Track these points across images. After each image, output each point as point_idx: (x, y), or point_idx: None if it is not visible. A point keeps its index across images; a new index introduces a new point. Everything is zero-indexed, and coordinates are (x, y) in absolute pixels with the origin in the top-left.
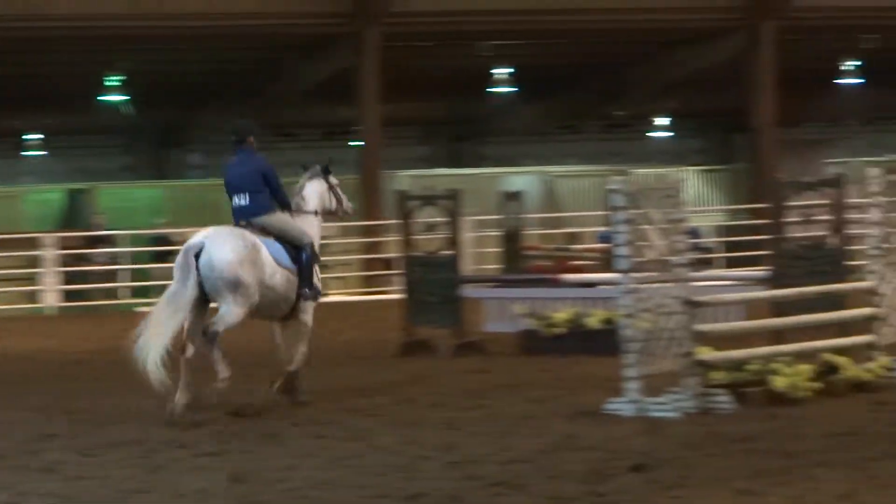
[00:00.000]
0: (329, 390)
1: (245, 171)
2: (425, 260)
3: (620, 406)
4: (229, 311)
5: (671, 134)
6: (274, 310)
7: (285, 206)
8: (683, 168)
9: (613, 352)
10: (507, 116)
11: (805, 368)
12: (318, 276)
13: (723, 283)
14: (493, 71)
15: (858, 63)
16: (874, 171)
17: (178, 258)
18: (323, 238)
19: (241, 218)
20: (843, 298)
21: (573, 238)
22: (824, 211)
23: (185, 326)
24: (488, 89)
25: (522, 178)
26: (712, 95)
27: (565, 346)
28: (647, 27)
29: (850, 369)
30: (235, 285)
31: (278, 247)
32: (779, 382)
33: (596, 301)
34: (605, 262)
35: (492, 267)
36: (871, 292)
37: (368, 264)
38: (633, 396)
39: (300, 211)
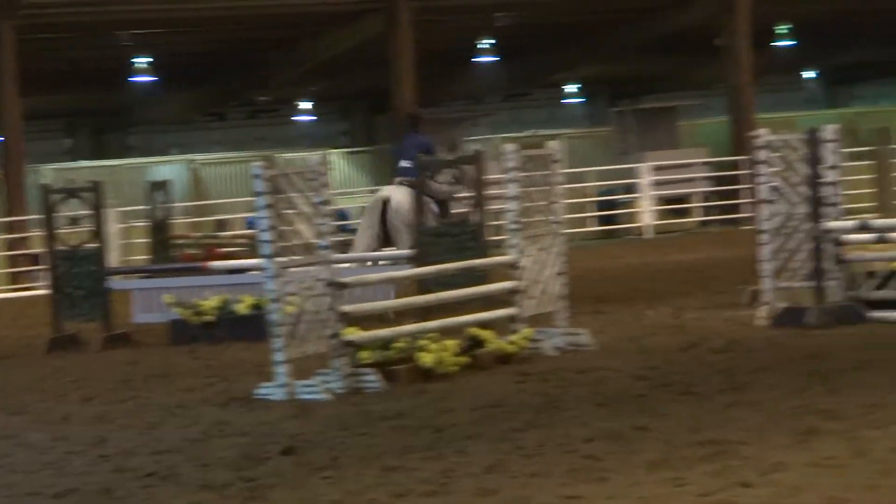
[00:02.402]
0: None
1: (412, 146)
2: (70, 254)
3: (271, 390)
4: (404, 243)
5: (315, 117)
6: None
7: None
8: (328, 151)
9: (263, 337)
10: (151, 106)
11: (451, 343)
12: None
13: (369, 264)
14: (134, 60)
15: (494, 41)
16: (510, 147)
17: (370, 205)
18: None
19: (403, 175)
20: (486, 273)
21: (221, 225)
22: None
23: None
24: (130, 79)
25: (168, 168)
26: (355, 78)
27: (215, 334)
28: (285, 12)
29: (495, 342)
30: (410, 226)
31: (432, 203)
32: (426, 359)
33: (246, 287)
34: (254, 247)
35: (141, 258)
36: (512, 266)
37: (13, 260)
38: (283, 380)
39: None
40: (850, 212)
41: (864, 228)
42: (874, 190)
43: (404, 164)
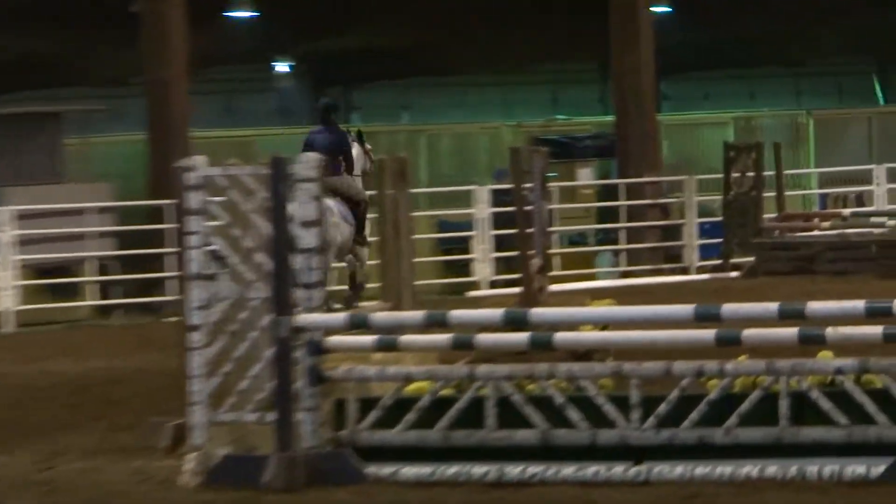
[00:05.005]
0: None
1: (326, 139)
2: None
3: None
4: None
5: None
6: (339, 253)
7: (351, 169)
8: None
9: None
10: None
11: None
12: (366, 227)
13: None
14: None
15: None
16: None
17: None
18: None
19: None
20: None
21: None
22: None
23: None
24: None
25: None
26: None
27: None
28: None
29: None
30: (328, 244)
31: (343, 208)
32: None
33: None
34: None
35: None
36: None
37: None
38: None
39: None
40: (336, 296)
41: (359, 326)
42: (379, 261)
43: None
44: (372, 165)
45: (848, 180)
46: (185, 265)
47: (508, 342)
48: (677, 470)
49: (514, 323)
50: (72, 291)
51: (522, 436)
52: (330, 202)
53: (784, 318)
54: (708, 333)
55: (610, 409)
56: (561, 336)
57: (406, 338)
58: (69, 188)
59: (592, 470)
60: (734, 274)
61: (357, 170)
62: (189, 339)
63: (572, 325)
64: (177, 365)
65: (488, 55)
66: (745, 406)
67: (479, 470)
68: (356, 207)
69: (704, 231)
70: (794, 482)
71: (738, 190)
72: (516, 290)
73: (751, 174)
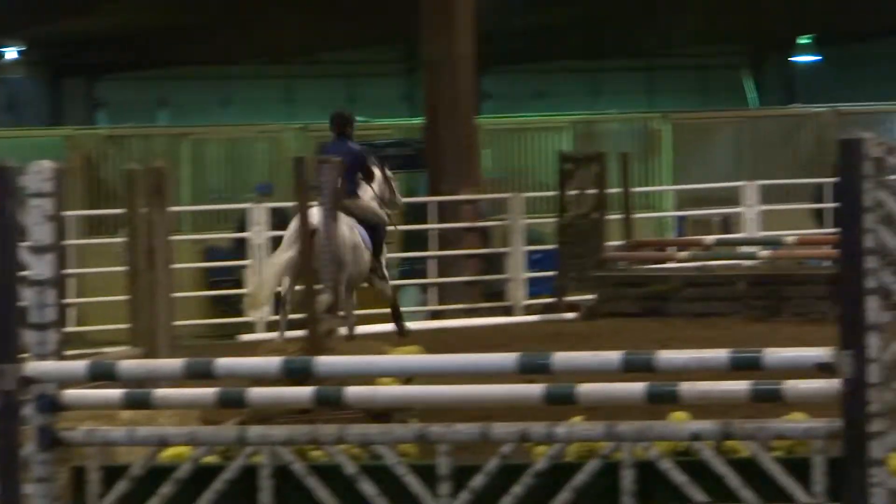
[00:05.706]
0: None
1: (340, 156)
2: None
3: None
4: (344, 283)
5: None
6: (356, 282)
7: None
8: None
9: None
10: None
11: None
12: (385, 253)
13: None
14: None
15: None
16: None
17: (289, 233)
18: None
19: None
20: None
21: None
22: None
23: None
24: None
25: None
26: None
27: None
28: None
29: None
30: (341, 264)
31: (362, 230)
32: None
33: None
34: None
35: None
36: None
37: None
38: None
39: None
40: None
41: (103, 377)
42: (129, 297)
43: None
44: (393, 198)
45: (712, 200)
46: None
47: (288, 398)
48: None
49: (295, 374)
50: None
51: None
52: (353, 223)
53: (629, 370)
54: (535, 389)
55: (413, 482)
56: (353, 391)
57: (161, 392)
58: None
59: None
60: (570, 315)
61: (376, 189)
62: None
63: (367, 378)
64: None
65: (266, 41)
66: (579, 478)
67: None
68: (371, 232)
69: (533, 262)
70: None
71: (576, 211)
72: (299, 333)
73: (592, 192)
